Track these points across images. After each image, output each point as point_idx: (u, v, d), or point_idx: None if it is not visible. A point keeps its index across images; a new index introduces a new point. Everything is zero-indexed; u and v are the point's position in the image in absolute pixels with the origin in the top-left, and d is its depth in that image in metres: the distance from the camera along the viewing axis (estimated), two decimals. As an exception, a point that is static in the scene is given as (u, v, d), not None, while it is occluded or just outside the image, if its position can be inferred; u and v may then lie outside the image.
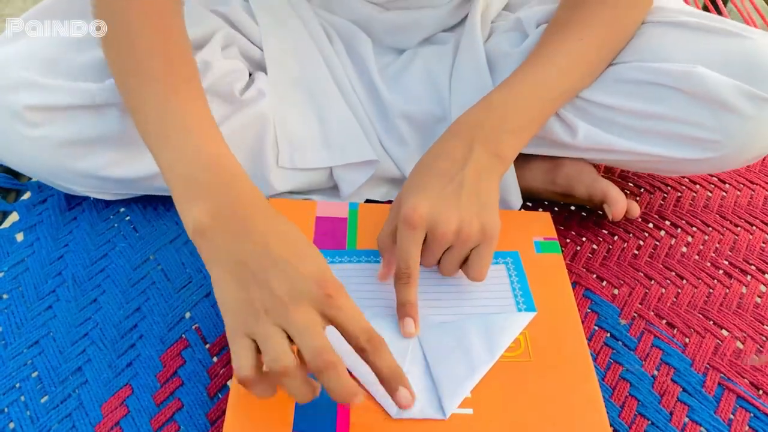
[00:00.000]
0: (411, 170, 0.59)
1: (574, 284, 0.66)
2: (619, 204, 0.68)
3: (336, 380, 0.45)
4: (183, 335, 0.60)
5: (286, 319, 0.45)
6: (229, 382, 0.57)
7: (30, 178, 0.76)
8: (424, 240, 0.56)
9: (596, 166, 0.76)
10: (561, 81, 0.61)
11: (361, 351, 0.47)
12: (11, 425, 0.53)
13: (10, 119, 0.59)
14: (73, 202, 0.73)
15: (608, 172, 0.80)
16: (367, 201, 0.75)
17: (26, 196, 0.74)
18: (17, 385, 0.56)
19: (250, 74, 0.69)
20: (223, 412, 0.53)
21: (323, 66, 0.71)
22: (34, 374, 0.57)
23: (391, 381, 0.47)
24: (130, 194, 0.69)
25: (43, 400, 0.55)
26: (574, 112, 0.65)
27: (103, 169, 0.63)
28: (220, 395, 0.56)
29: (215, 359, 0.59)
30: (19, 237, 0.69)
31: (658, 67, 0.61)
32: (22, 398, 0.55)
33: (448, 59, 0.73)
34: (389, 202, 0.75)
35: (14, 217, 0.71)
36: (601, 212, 0.74)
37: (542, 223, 0.68)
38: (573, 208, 0.75)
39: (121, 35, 0.55)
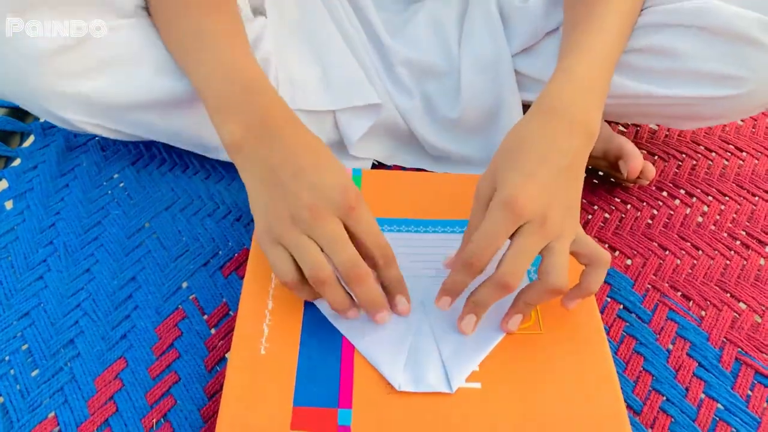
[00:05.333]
0: (501, 144, 0.52)
1: (586, 255, 0.64)
2: (635, 159, 0.66)
3: (366, 291, 0.49)
4: (179, 306, 0.58)
5: (314, 229, 0.48)
6: (227, 355, 0.55)
7: (21, 144, 0.73)
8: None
9: (609, 125, 0.73)
10: (619, 42, 0.57)
11: (373, 263, 0.50)
12: (0, 400, 0.51)
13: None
14: (65, 168, 0.70)
15: (621, 134, 0.77)
16: (373, 166, 0.72)
17: (16, 162, 0.71)
18: (6, 358, 0.54)
19: None
20: (221, 386, 0.51)
21: (325, 13, 0.70)
22: (24, 347, 0.55)
23: (392, 289, 0.51)
24: (120, 131, 0.65)
25: (33, 374, 0.53)
26: None
27: (91, 89, 0.59)
28: (218, 368, 0.54)
29: (213, 331, 0.57)
30: (9, 205, 0.66)
31: (671, 8, 0.59)
32: (12, 372, 0.53)
33: (455, 12, 0.71)
34: (396, 167, 0.72)
35: (3, 184, 0.69)
36: (613, 179, 0.71)
37: (553, 191, 0.65)
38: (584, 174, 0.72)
39: None
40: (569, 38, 0.57)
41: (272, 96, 0.54)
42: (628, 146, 0.67)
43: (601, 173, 0.73)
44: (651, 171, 0.68)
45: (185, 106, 0.62)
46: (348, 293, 0.50)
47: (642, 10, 0.61)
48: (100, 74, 0.59)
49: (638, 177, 0.68)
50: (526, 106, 0.69)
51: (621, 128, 0.78)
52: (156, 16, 0.60)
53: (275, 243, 0.49)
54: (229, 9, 0.58)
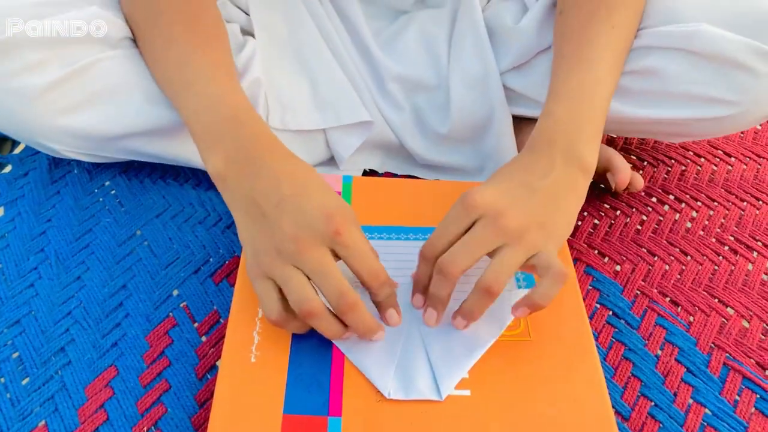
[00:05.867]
0: (492, 175, 0.54)
1: (575, 260, 0.64)
2: (623, 172, 0.66)
3: (358, 320, 0.48)
4: (170, 314, 0.58)
5: (300, 260, 0.47)
6: (218, 363, 0.55)
7: (12, 150, 0.73)
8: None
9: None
10: (612, 76, 0.57)
11: (366, 286, 0.49)
12: (-10, 408, 0.51)
13: None
14: (56, 175, 0.70)
15: (610, 144, 0.77)
16: (365, 173, 0.72)
17: (7, 169, 0.71)
18: (-3, 367, 0.54)
19: None
20: (212, 394, 0.51)
21: (314, 28, 0.69)
22: (15, 355, 0.55)
23: (384, 305, 0.50)
24: (110, 158, 0.65)
25: (24, 382, 0.53)
26: None
27: (81, 122, 0.59)
28: (209, 376, 0.54)
29: (204, 339, 0.57)
30: (0, 212, 0.66)
31: (663, 31, 0.59)
32: (2, 380, 0.53)
33: (446, 25, 0.71)
34: (387, 174, 0.73)
35: (-6, 191, 0.69)
36: (603, 185, 0.72)
37: (543, 197, 0.65)
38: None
39: (149, 3, 0.58)
40: (556, 78, 0.57)
41: (256, 126, 0.53)
42: (616, 159, 0.67)
43: (590, 179, 0.73)
44: (639, 182, 0.69)
45: (177, 133, 0.62)
46: (339, 320, 0.49)
47: (637, 31, 0.61)
48: (91, 107, 0.59)
49: (626, 188, 0.69)
50: (517, 119, 0.69)
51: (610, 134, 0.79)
52: (143, 48, 0.60)
53: (263, 277, 0.48)
54: (216, 41, 0.58)
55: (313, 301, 0.47)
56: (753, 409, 0.54)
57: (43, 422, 0.51)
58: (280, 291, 0.48)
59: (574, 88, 0.55)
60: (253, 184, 0.50)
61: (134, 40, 0.61)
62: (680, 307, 0.61)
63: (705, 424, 0.53)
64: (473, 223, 0.50)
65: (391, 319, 0.51)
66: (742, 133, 0.80)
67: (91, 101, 0.58)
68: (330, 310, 0.48)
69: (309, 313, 0.47)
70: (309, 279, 0.47)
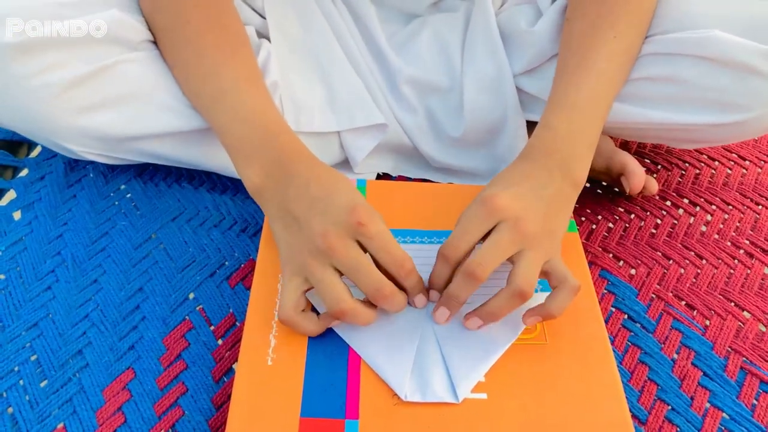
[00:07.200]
0: (492, 179, 0.55)
1: (590, 264, 0.64)
2: (637, 176, 0.66)
3: (392, 305, 0.50)
4: (187, 317, 0.59)
5: (332, 256, 0.48)
6: (234, 366, 0.55)
7: (28, 154, 0.74)
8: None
9: (613, 139, 0.73)
10: (612, 88, 0.58)
11: (393, 276, 0.50)
12: (9, 410, 0.52)
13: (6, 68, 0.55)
14: (72, 179, 0.70)
15: (624, 147, 0.77)
16: (378, 177, 0.73)
17: (24, 173, 0.72)
18: (16, 369, 0.54)
19: None
20: (229, 397, 0.51)
21: (329, 31, 0.70)
22: (33, 357, 0.55)
23: (412, 292, 0.52)
24: (127, 159, 0.65)
25: (42, 385, 0.53)
26: None
27: (101, 123, 0.59)
28: (225, 379, 0.54)
29: (220, 342, 0.57)
30: (17, 215, 0.67)
31: (676, 38, 0.59)
32: (21, 382, 0.53)
33: (459, 28, 0.71)
34: (400, 177, 0.73)
35: (11, 194, 0.69)
36: (617, 189, 0.72)
37: (557, 201, 0.65)
38: (588, 184, 0.73)
39: (174, 9, 0.58)
40: (557, 88, 0.57)
41: (287, 136, 0.55)
42: (631, 163, 0.67)
43: (604, 183, 0.73)
44: (653, 186, 0.69)
45: (195, 137, 0.63)
46: (368, 307, 0.50)
47: (648, 38, 0.61)
48: (110, 107, 0.59)
49: (640, 192, 0.69)
50: (531, 125, 0.69)
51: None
52: (167, 54, 0.60)
53: (293, 276, 0.50)
54: (243, 49, 0.59)
55: (345, 302, 0.48)
56: (771, 414, 0.54)
57: (61, 424, 0.51)
58: (303, 291, 0.50)
59: (574, 102, 0.56)
60: (286, 193, 0.52)
61: (154, 43, 0.62)
62: (696, 310, 0.61)
63: (723, 428, 0.53)
64: (494, 226, 0.50)
65: (418, 303, 0.53)
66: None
67: (111, 102, 0.58)
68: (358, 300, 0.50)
69: (341, 312, 0.48)
70: (341, 275, 0.49)
